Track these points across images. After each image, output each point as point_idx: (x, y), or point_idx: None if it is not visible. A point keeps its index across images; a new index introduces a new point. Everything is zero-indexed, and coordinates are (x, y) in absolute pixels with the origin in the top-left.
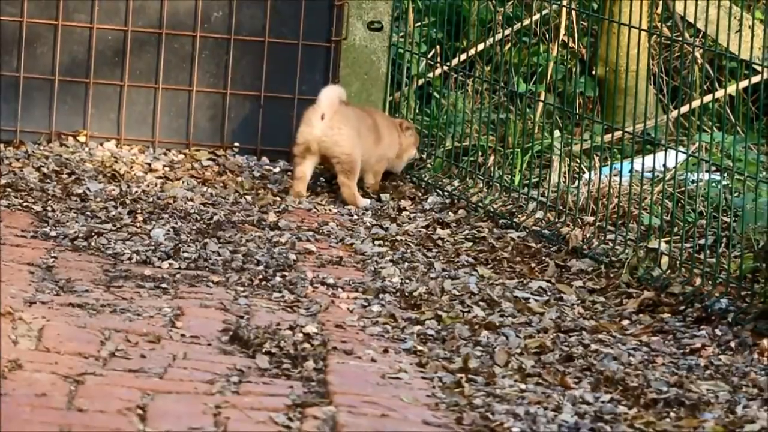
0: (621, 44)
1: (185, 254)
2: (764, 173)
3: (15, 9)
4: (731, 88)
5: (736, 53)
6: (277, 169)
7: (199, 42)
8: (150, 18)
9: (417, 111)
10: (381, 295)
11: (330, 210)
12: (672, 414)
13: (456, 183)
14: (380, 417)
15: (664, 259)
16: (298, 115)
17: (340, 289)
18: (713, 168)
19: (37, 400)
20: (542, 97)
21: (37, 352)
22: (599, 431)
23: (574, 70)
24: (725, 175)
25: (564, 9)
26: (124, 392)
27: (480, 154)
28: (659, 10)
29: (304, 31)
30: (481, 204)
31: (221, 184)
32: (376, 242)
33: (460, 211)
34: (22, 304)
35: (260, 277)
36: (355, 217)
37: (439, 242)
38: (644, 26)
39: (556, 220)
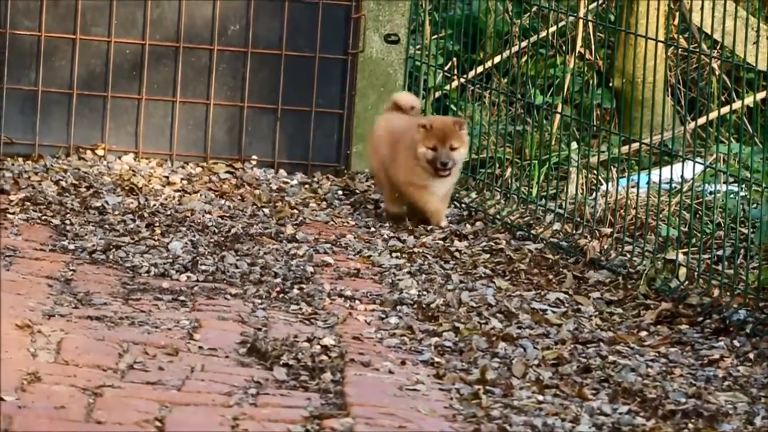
0: (638, 56)
1: (203, 267)
2: None
3: (33, 23)
4: (749, 99)
5: (754, 64)
6: (295, 182)
7: (216, 55)
8: (167, 31)
9: None
10: (398, 307)
11: (348, 222)
12: (690, 425)
13: (473, 195)
14: (398, 428)
15: (682, 271)
16: (315, 128)
17: (357, 301)
18: (731, 179)
19: (55, 412)
20: (559, 109)
21: (55, 364)
22: None
23: (591, 81)
24: (743, 186)
25: (581, 21)
26: (142, 404)
27: (497, 166)
28: (676, 22)
29: (320, 44)
30: (498, 216)
31: (239, 197)
32: (394, 254)
33: (478, 223)
34: (40, 317)
35: (278, 289)
36: (373, 229)
37: (457, 254)
38: (661, 37)
39: (574, 231)
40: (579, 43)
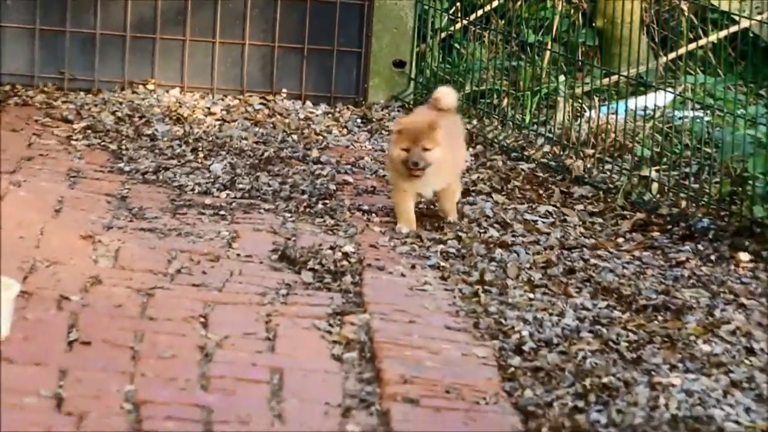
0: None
1: (240, 185)
2: (741, 110)
3: None
4: (713, 36)
5: (718, 5)
6: (319, 112)
7: (250, 2)
8: None
9: (440, 60)
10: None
11: (365, 146)
12: (660, 317)
13: (474, 122)
14: (408, 323)
15: (654, 185)
16: (337, 65)
17: (373, 215)
18: (697, 106)
19: (114, 310)
20: (549, 47)
21: (114, 269)
22: (597, 333)
23: (576, 22)
24: (708, 112)
25: None
26: (188, 303)
27: (495, 96)
28: None
29: None
30: (495, 140)
31: (271, 125)
32: None
33: (478, 147)
34: (101, 229)
35: (305, 204)
36: (386, 152)
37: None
38: None
39: (561, 153)
40: None
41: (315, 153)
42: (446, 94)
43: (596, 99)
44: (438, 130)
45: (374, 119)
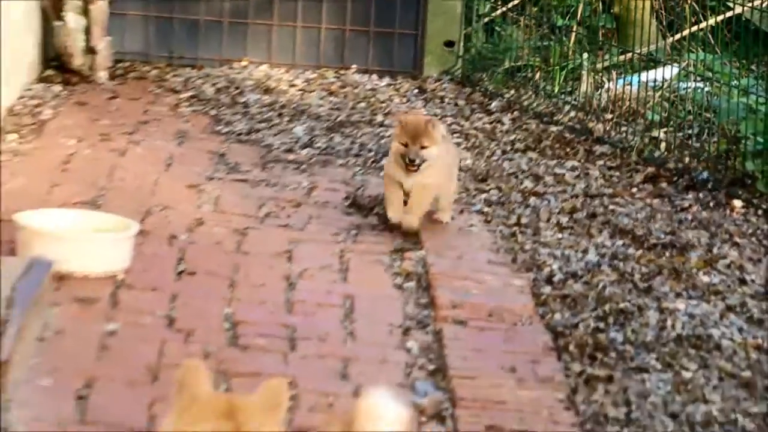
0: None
1: (317, 144)
2: (735, 82)
3: None
4: (712, 20)
5: None
6: (383, 84)
7: None
8: None
9: (484, 41)
10: (458, 172)
11: (422, 112)
12: (667, 254)
13: (512, 92)
14: (457, 258)
15: (663, 144)
16: (398, 45)
17: None
18: (699, 78)
19: (215, 246)
20: (574, 29)
21: (214, 213)
22: (614, 267)
23: (597, 8)
24: (707, 83)
25: None
26: (276, 241)
27: (529, 71)
28: None
29: None
30: (530, 107)
31: (343, 95)
32: (455, 135)
33: (515, 112)
34: (203, 180)
35: (371, 160)
36: (439, 116)
37: (499, 134)
38: None
39: (585, 117)
40: None
41: (379, 118)
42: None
43: (614, 73)
44: (437, 128)
45: (428, 90)
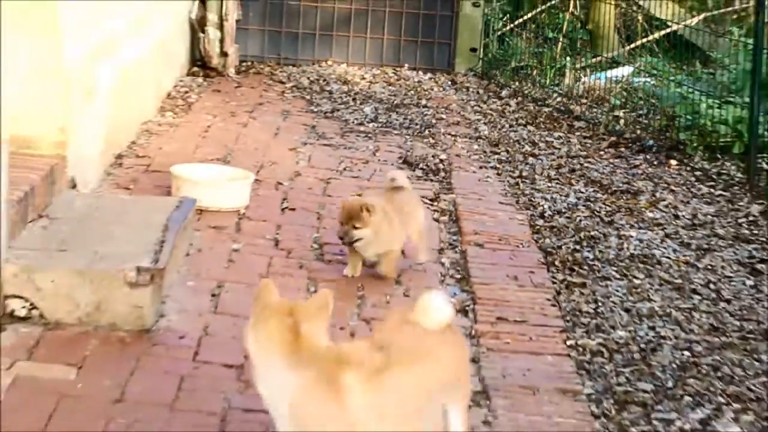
0: (600, 12)
1: (380, 120)
2: (673, 77)
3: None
4: (656, 35)
5: (659, 15)
6: (427, 78)
7: (387, 14)
8: (363, 1)
9: (497, 48)
10: (479, 140)
11: (453, 98)
12: (624, 197)
13: (516, 84)
14: (477, 200)
15: (622, 121)
16: (437, 51)
17: (457, 137)
18: (647, 75)
19: (307, 190)
20: (561, 40)
21: (307, 167)
22: (587, 206)
23: (577, 25)
24: (653, 78)
25: None
26: (350, 187)
27: (529, 69)
28: None
29: (440, 8)
30: (529, 94)
31: (398, 85)
32: (477, 113)
33: (519, 98)
34: (300, 144)
35: (417, 131)
36: (464, 101)
37: (507, 113)
38: (613, 3)
39: (567, 102)
40: (571, 6)
41: (423, 101)
42: (399, 176)
43: (588, 70)
44: (370, 213)
45: (458, 82)
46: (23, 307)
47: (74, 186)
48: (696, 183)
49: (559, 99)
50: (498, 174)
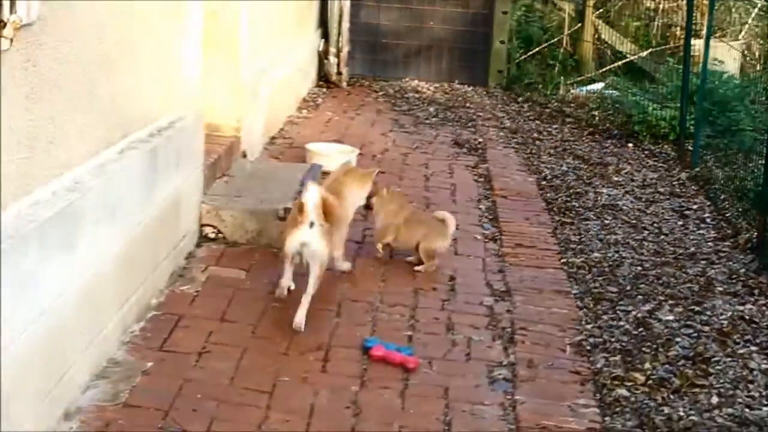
0: (583, 48)
1: (440, 116)
2: (631, 90)
3: (376, 20)
4: (619, 63)
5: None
6: (469, 89)
7: (445, 48)
8: (434, 33)
9: (516, 69)
10: (503, 129)
11: (487, 102)
12: (598, 167)
13: (528, 94)
14: (503, 168)
15: (597, 118)
16: (476, 72)
17: (490, 127)
18: (613, 89)
19: (392, 161)
20: (557, 65)
21: (392, 146)
22: (574, 173)
23: (568, 56)
24: (617, 91)
25: (565, 36)
26: (420, 159)
27: (537, 84)
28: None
29: (479, 44)
30: (537, 101)
31: (451, 94)
32: (502, 112)
33: (530, 103)
34: (388, 131)
35: (463, 123)
36: (494, 104)
37: (523, 113)
38: (590, 40)
39: (561, 105)
40: (565, 44)
41: (467, 104)
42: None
43: (575, 85)
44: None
45: (490, 92)
46: (213, 232)
47: (245, 156)
48: (645, 158)
49: (555, 103)
50: (516, 151)
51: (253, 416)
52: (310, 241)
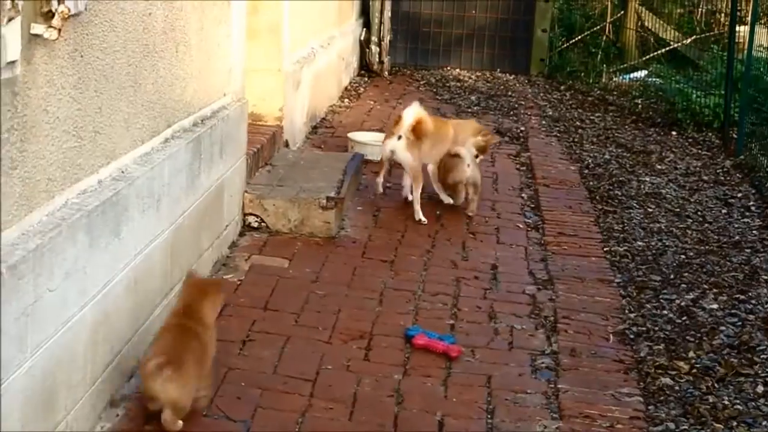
0: (626, 35)
1: (481, 104)
2: (674, 78)
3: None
4: (662, 50)
5: (664, 37)
6: (511, 78)
7: (486, 36)
8: (477, 21)
9: (557, 58)
10: (545, 118)
11: (529, 90)
12: (641, 156)
13: (570, 82)
14: (545, 156)
15: (640, 106)
16: (519, 61)
17: (532, 116)
18: (656, 76)
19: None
20: (599, 53)
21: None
22: (617, 161)
23: (610, 44)
24: (660, 78)
25: (608, 23)
26: None
27: (579, 72)
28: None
29: (520, 32)
30: (579, 89)
31: (493, 83)
32: (544, 101)
33: (572, 91)
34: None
35: (505, 111)
36: (536, 93)
37: (565, 101)
38: (634, 29)
39: (604, 93)
40: (607, 31)
41: (509, 93)
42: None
43: (618, 73)
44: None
45: (532, 81)
46: (256, 221)
47: (287, 145)
48: (688, 146)
49: (598, 92)
50: (558, 140)
51: (296, 404)
52: (397, 150)
